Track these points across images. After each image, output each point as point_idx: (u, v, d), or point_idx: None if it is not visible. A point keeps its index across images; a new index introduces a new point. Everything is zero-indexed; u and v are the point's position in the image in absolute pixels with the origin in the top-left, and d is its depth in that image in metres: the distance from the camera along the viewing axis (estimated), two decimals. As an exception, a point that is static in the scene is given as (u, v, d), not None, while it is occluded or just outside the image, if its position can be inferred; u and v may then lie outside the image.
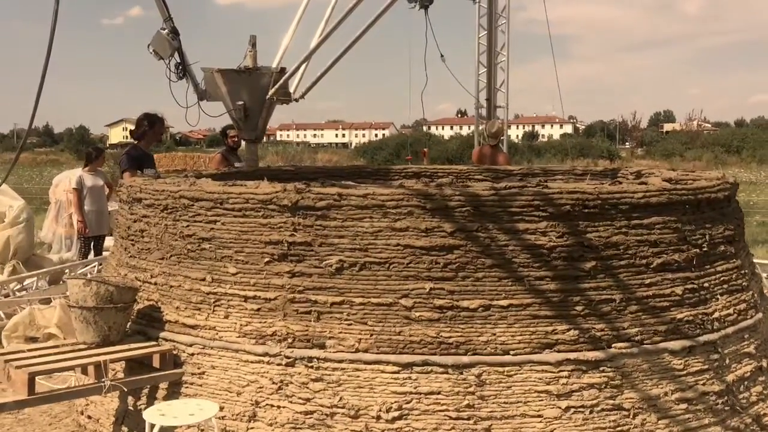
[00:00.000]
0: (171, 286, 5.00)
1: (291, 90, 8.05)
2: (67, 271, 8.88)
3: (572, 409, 4.35)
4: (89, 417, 5.22)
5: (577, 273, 4.52)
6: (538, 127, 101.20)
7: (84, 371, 4.65)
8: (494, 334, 4.40)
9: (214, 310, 4.78)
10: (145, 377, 4.65)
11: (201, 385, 4.72)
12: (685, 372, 4.66)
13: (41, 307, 7.59)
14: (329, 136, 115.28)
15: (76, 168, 14.71)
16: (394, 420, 4.31)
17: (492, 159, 9.67)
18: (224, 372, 4.66)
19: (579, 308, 4.48)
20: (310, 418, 4.41)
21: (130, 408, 4.97)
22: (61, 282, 8.68)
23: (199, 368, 4.74)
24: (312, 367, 4.47)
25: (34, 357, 4.50)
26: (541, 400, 4.35)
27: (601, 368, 4.45)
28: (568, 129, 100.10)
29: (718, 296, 5.01)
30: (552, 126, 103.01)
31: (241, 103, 7.74)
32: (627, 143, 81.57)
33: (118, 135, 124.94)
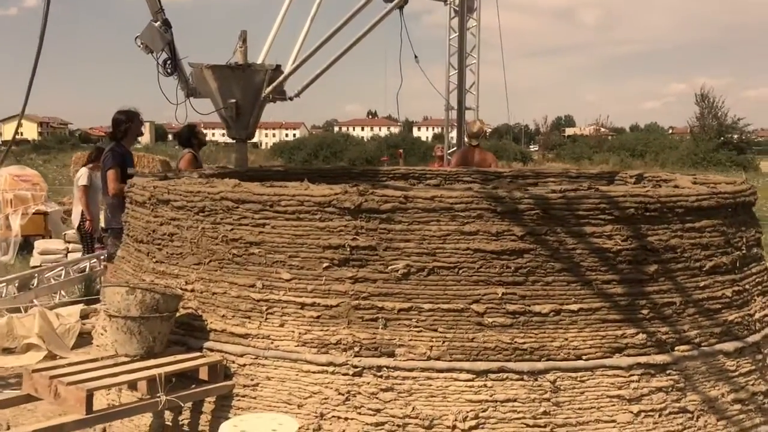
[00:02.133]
0: (213, 293, 4.72)
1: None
2: (35, 276, 8.32)
3: (643, 414, 4.35)
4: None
5: (641, 276, 4.52)
6: (445, 130, 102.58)
7: (132, 386, 4.32)
8: (566, 339, 4.34)
9: (266, 318, 4.54)
10: (199, 390, 4.37)
11: (255, 398, 4.47)
12: (737, 373, 4.73)
13: (19, 315, 7.07)
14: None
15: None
16: (470, 429, 4.20)
17: (479, 161, 9.56)
18: (282, 383, 4.43)
19: (645, 311, 4.48)
20: (381, 429, 4.24)
21: (168, 424, 4.66)
22: (29, 288, 8.12)
23: (252, 380, 4.49)
24: (381, 376, 4.29)
25: (81, 372, 4.15)
26: (614, 405, 4.32)
27: (668, 371, 4.46)
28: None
29: (756, 297, 5.12)
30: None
31: (233, 101, 7.43)
32: (532, 146, 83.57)
33: (12, 131, 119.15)
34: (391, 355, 4.32)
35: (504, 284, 4.34)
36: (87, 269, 9.08)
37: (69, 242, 11.35)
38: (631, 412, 4.32)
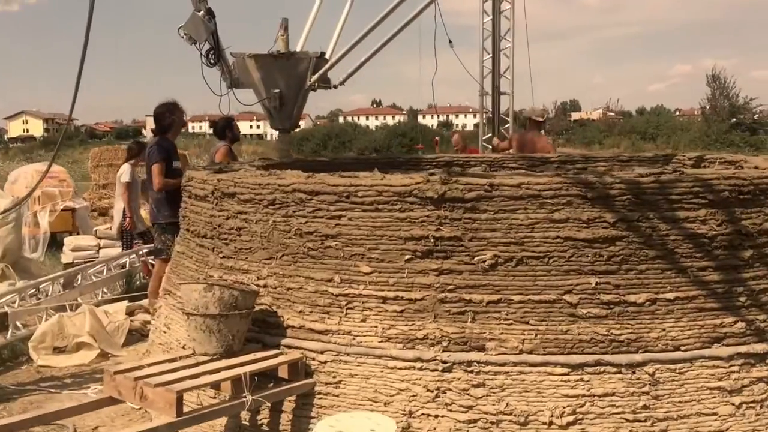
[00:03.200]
0: (288, 289, 4.56)
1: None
2: (80, 273, 8.17)
3: (744, 405, 4.17)
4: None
5: (737, 262, 4.34)
6: (452, 117, 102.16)
7: (215, 386, 4.16)
8: (663, 330, 4.17)
9: (347, 313, 4.37)
10: (283, 389, 4.21)
11: (338, 396, 4.31)
12: (832, 361, 4.54)
13: (69, 314, 6.93)
14: (244, 128, 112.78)
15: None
16: (568, 425, 4.03)
17: (539, 147, 9.27)
18: (366, 380, 4.26)
19: (742, 299, 4.30)
20: (474, 426, 4.08)
21: (245, 423, 4.51)
22: (73, 286, 7.97)
23: (334, 377, 4.32)
24: (472, 371, 4.13)
25: (163, 373, 3.99)
26: (714, 397, 4.15)
27: (767, 360, 4.28)
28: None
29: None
30: (465, 116, 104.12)
31: (277, 90, 7.24)
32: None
33: (17, 128, 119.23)
34: (482, 349, 4.15)
35: (597, 273, 4.17)
36: (126, 266, 8.92)
37: (101, 238, 11.19)
38: (733, 404, 4.15)
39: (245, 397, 3.98)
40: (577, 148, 53.88)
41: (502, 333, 4.14)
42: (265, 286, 4.64)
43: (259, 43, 8.69)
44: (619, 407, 4.05)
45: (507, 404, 4.07)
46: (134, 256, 9.08)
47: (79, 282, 8.00)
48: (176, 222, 7.10)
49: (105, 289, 8.48)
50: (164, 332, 5.44)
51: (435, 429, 4.09)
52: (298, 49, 7.87)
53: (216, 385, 4.13)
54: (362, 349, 4.30)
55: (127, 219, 9.84)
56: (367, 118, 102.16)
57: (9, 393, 5.83)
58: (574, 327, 4.12)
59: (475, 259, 4.20)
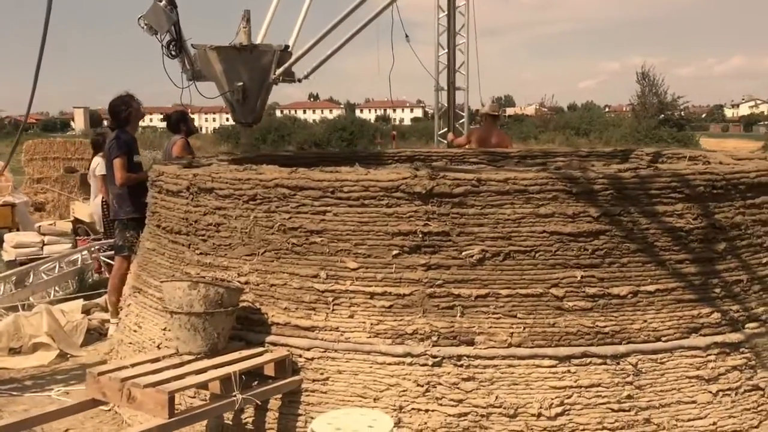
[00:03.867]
0: (272, 285, 4.51)
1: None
2: (31, 271, 7.91)
3: (721, 393, 4.31)
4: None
5: (711, 255, 4.48)
6: (389, 111, 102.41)
7: (203, 385, 4.09)
8: (645, 321, 4.28)
9: (333, 309, 4.35)
10: (271, 387, 4.16)
11: (326, 392, 4.29)
12: (799, 348, 4.73)
13: (25, 314, 6.70)
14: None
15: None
16: (556, 417, 4.10)
17: (498, 142, 9.34)
18: (354, 376, 4.25)
19: (717, 290, 4.45)
20: (464, 420, 4.11)
21: (228, 423, 4.44)
22: (25, 285, 7.70)
23: (321, 374, 4.30)
24: (462, 365, 4.16)
25: (149, 373, 3.90)
26: (693, 386, 4.28)
27: (741, 349, 4.44)
28: (418, 113, 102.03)
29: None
30: (403, 110, 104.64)
31: (240, 84, 7.14)
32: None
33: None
34: (471, 343, 4.19)
35: (582, 267, 4.25)
36: (78, 262, 8.67)
37: (44, 234, 10.84)
38: (710, 392, 4.29)
39: (235, 396, 3.92)
40: (514, 143, 54.68)
41: (490, 327, 4.18)
42: (246, 282, 4.58)
43: (218, 35, 8.53)
44: (605, 397, 4.14)
45: (497, 397, 4.11)
46: (86, 252, 8.82)
47: (31, 280, 7.73)
48: (138, 218, 6.95)
49: (57, 288, 8.22)
50: (135, 331, 5.31)
51: (426, 423, 4.11)
52: (258, 42, 7.76)
53: (203, 385, 4.06)
54: (350, 345, 4.28)
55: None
56: (305, 112, 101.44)
57: (-33, 396, 5.61)
58: (561, 320, 4.19)
59: (463, 253, 4.23)
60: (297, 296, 4.42)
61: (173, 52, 6.95)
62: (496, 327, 4.18)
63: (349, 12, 7.14)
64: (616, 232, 4.30)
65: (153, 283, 5.24)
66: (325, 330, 4.34)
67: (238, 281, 4.59)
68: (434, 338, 4.19)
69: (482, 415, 4.11)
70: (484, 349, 4.17)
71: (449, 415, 4.12)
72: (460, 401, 4.12)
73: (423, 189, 4.24)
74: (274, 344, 4.41)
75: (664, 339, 4.28)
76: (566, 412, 4.11)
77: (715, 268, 4.47)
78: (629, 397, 4.16)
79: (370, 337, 4.26)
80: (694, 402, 4.26)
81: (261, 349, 4.36)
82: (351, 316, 4.31)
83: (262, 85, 7.31)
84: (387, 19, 8.83)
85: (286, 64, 7.10)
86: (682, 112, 57.07)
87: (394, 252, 4.29)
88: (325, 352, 4.32)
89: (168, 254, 5.17)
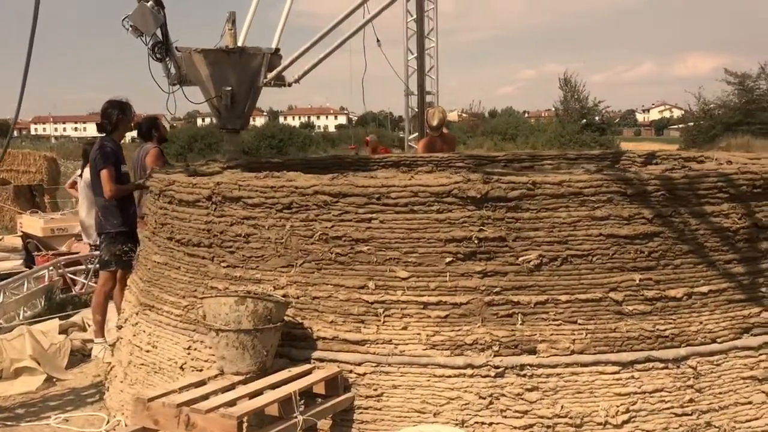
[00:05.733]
0: (315, 298, 4.27)
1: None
2: (1, 290, 7.36)
3: (774, 392, 4.29)
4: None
5: (756, 254, 4.47)
6: (313, 118, 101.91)
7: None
8: (701, 323, 4.22)
9: (384, 321, 4.15)
10: (329, 406, 3.92)
11: (380, 409, 4.08)
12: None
13: (6, 336, 6.22)
14: (93, 129, 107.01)
15: None
16: (622, 424, 4.00)
17: (446, 148, 9.42)
18: (411, 391, 4.06)
19: (764, 289, 4.43)
20: (530, 432, 3.97)
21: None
22: (-5, 304, 7.18)
23: (375, 389, 4.09)
24: (525, 375, 4.02)
25: (203, 398, 3.61)
26: (747, 386, 4.25)
27: (789, 348, 4.43)
28: (342, 120, 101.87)
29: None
30: (327, 117, 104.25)
31: (229, 88, 6.84)
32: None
33: None
34: (533, 351, 4.05)
35: (639, 270, 4.17)
36: (46, 280, 8.16)
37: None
38: (764, 392, 4.26)
39: (296, 417, 3.67)
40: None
41: (552, 334, 4.06)
42: (285, 296, 4.32)
43: (194, 38, 8.18)
44: (668, 402, 4.07)
45: (562, 407, 3.99)
46: (52, 269, 8.31)
47: (1, 300, 7.21)
48: (126, 231, 6.58)
49: (25, 307, 7.71)
50: (148, 351, 4.96)
51: (491, 437, 3.94)
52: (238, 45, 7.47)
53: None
54: (405, 358, 4.09)
55: None
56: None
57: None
58: (621, 324, 4.10)
59: (520, 259, 4.09)
60: (344, 309, 4.20)
61: (158, 56, 6.59)
62: (557, 334, 4.06)
63: (343, 18, 6.93)
64: (668, 233, 4.24)
65: (169, 300, 4.91)
66: (377, 343, 4.13)
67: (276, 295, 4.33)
68: (495, 348, 4.03)
69: (548, 426, 3.97)
70: (547, 357, 4.04)
71: (514, 428, 3.97)
72: (525, 412, 3.98)
73: (477, 193, 4.09)
74: (321, 360, 4.17)
75: (719, 340, 4.24)
76: (632, 419, 4.01)
77: (760, 267, 4.46)
78: (691, 401, 4.10)
79: (426, 349, 4.07)
80: (750, 403, 4.22)
81: (308, 366, 4.11)
82: (404, 328, 4.12)
83: (251, 90, 7.01)
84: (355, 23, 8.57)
85: (279, 68, 6.86)
86: (598, 117, 58.59)
87: (448, 259, 4.12)
88: (377, 366, 4.11)
89: (185, 268, 4.86)
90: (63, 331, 7.05)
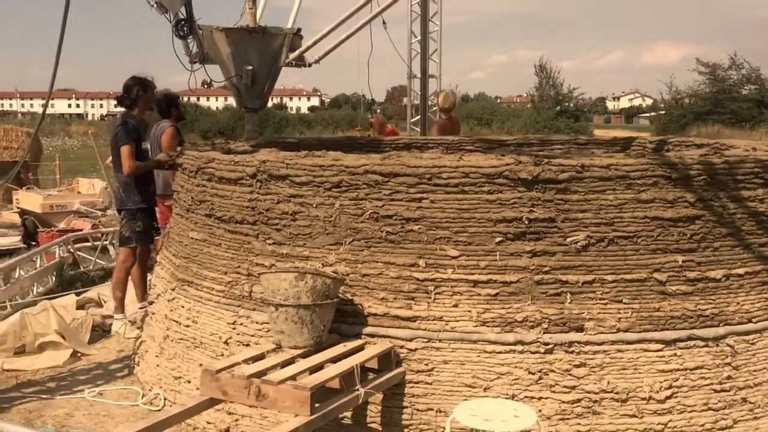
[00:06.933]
0: (365, 275, 4.35)
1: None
2: (17, 267, 7.33)
3: (804, 371, 4.48)
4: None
5: (787, 238, 4.63)
6: (286, 100, 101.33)
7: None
8: (738, 303, 4.38)
9: (435, 299, 4.24)
10: (384, 379, 4.02)
11: (431, 383, 4.19)
12: None
13: (31, 311, 6.22)
14: (61, 107, 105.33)
15: None
16: (665, 399, 4.15)
17: (456, 131, 9.57)
18: (461, 366, 4.17)
19: (795, 272, 4.60)
20: (578, 406, 4.11)
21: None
22: (11, 281, 7.15)
23: (426, 365, 4.19)
24: (573, 352, 4.15)
25: (270, 369, 3.69)
26: (779, 365, 4.42)
27: (817, 329, 4.61)
28: (315, 102, 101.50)
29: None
30: (300, 99, 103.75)
31: (250, 68, 6.86)
32: (375, 114, 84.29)
33: None
34: (580, 329, 4.17)
35: (681, 252, 4.30)
36: (56, 256, 8.13)
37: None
38: (795, 371, 4.44)
39: (358, 389, 3.77)
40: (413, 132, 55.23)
41: (599, 312, 4.19)
42: (334, 272, 4.39)
43: (212, 17, 8.13)
44: (708, 379, 4.23)
45: (608, 382, 4.13)
46: (62, 246, 8.28)
47: (17, 276, 7.19)
48: (146, 208, 6.60)
49: (37, 283, 7.69)
50: (187, 326, 5.01)
51: (540, 411, 4.07)
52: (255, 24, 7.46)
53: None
54: (456, 334, 4.19)
55: None
56: (198, 99, 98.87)
57: (-7, 402, 5.16)
58: (665, 304, 4.24)
59: (568, 240, 4.21)
60: (395, 286, 4.29)
61: (181, 33, 6.58)
62: (604, 312, 4.19)
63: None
64: (709, 216, 4.38)
65: (209, 276, 4.96)
66: (428, 320, 4.23)
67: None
68: (545, 325, 4.15)
69: (594, 401, 4.11)
70: (594, 334, 4.17)
71: (563, 402, 4.10)
72: (573, 388, 4.11)
73: (529, 175, 4.19)
74: (372, 336, 4.26)
75: (754, 320, 4.40)
76: (674, 395, 4.16)
77: (791, 250, 4.62)
78: (729, 377, 4.26)
79: (477, 325, 4.18)
80: (782, 380, 4.40)
81: (360, 341, 4.20)
82: (455, 305, 4.22)
83: (271, 70, 7.03)
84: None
85: (302, 48, 6.88)
86: (570, 103, 58.94)
87: (498, 239, 4.22)
88: (428, 342, 4.21)
89: (226, 245, 4.90)
90: (80, 306, 7.05)
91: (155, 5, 6.43)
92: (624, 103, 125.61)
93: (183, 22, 6.55)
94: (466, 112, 58.96)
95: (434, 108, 10.94)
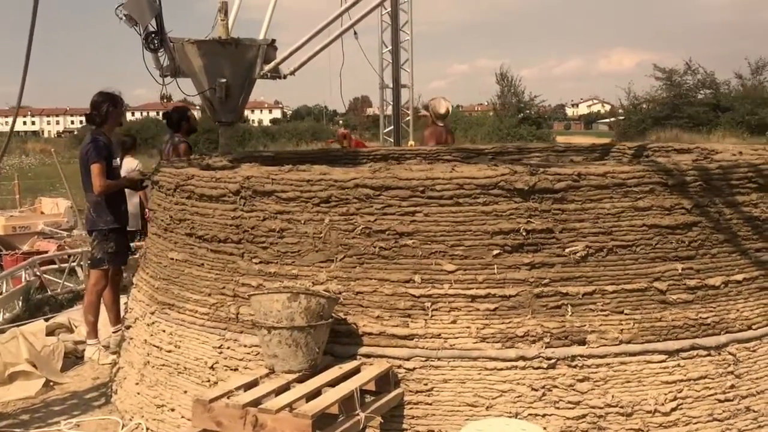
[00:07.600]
0: (358, 293, 4.19)
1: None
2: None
3: (804, 376, 4.42)
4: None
5: (783, 242, 4.58)
6: (248, 112, 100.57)
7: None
8: (738, 310, 4.31)
9: (432, 315, 4.10)
10: (384, 402, 3.85)
11: (431, 404, 4.04)
12: None
13: (0, 339, 5.93)
14: (17, 124, 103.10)
15: None
16: (670, 412, 4.05)
17: (450, 139, 9.46)
18: (462, 384, 4.03)
19: (792, 277, 4.55)
20: (583, 422, 3.98)
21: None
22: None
23: (425, 384, 4.04)
24: (576, 366, 4.03)
25: (263, 397, 3.50)
26: (780, 371, 4.36)
27: (816, 333, 4.55)
28: (277, 114, 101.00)
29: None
30: (261, 111, 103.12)
31: (223, 80, 6.67)
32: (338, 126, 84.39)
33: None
34: (582, 342, 4.06)
35: (680, 259, 4.22)
36: (23, 280, 7.82)
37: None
38: (796, 377, 4.37)
39: (358, 414, 3.60)
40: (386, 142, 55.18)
41: (601, 324, 4.08)
42: (326, 291, 4.23)
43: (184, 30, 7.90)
44: (712, 389, 4.14)
45: (612, 396, 4.02)
46: (29, 269, 7.97)
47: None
48: (119, 228, 6.37)
49: (4, 309, 7.37)
50: (169, 351, 4.79)
51: (544, 428, 3.94)
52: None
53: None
54: (455, 351, 4.05)
55: (147, 212, 8.48)
56: (157, 113, 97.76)
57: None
58: (666, 313, 4.14)
59: (567, 250, 4.10)
60: (390, 303, 4.14)
61: (152, 46, 6.36)
62: (606, 324, 4.08)
63: (345, 10, 6.82)
64: (705, 222, 4.30)
65: (192, 298, 4.76)
66: (426, 338, 4.08)
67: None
68: (546, 339, 4.03)
69: (599, 416, 4.00)
70: (597, 347, 4.05)
71: (568, 418, 3.97)
72: (577, 403, 3.99)
73: (525, 185, 4.07)
74: (368, 356, 4.10)
75: (754, 327, 4.33)
76: (679, 407, 4.07)
77: (786, 255, 4.56)
78: (732, 386, 4.18)
79: (476, 342, 4.05)
80: (783, 387, 4.33)
81: (356, 363, 4.04)
82: (453, 322, 4.08)
83: (245, 82, 6.85)
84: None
85: (277, 60, 6.69)
86: (539, 111, 59.50)
87: (495, 252, 4.10)
88: (427, 361, 4.06)
89: (209, 265, 4.71)
90: (50, 332, 6.75)
91: (124, 18, 6.20)
92: (583, 109, 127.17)
93: (154, 35, 6.33)
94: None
95: (408, 118, 10.82)
